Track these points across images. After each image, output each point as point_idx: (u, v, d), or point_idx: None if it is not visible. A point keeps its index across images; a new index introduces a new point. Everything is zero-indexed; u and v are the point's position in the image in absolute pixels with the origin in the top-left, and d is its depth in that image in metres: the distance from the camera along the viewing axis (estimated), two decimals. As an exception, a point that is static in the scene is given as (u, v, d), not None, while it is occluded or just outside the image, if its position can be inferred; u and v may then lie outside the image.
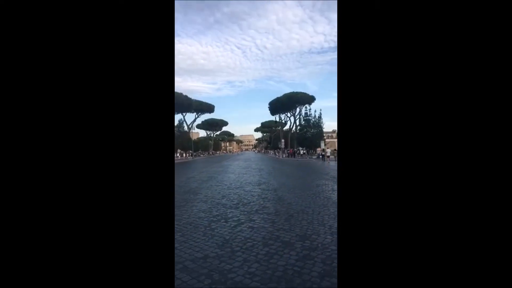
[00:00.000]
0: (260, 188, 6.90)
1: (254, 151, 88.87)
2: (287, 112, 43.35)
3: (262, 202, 5.08)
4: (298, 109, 41.83)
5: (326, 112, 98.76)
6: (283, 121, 45.98)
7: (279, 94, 42.39)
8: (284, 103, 40.61)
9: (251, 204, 4.98)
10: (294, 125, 42.57)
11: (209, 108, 44.53)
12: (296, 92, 41.39)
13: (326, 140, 42.47)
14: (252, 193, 6.23)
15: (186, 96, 37.87)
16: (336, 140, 43.27)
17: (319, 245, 2.83)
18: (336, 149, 25.99)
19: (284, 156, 32.34)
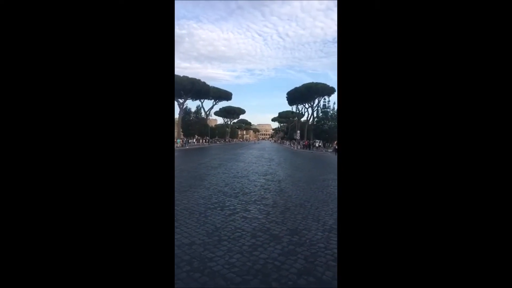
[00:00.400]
0: (265, 179, 6.91)
1: (270, 140, 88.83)
2: (305, 103, 42.47)
3: (262, 193, 5.09)
4: (316, 101, 40.83)
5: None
6: (301, 112, 45.18)
7: (299, 84, 41.38)
8: (303, 94, 39.73)
9: (252, 194, 5.00)
10: (312, 116, 41.72)
11: (227, 96, 44.71)
12: (316, 82, 40.23)
13: None
14: (256, 183, 6.25)
15: (204, 83, 38.20)
16: None
17: (307, 241, 2.80)
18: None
19: (298, 147, 31.99)
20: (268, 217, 3.60)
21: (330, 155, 19.82)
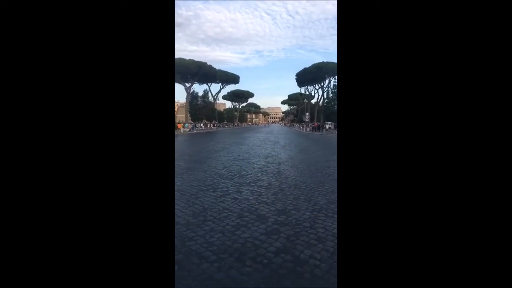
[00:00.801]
0: (265, 161, 6.86)
1: (280, 124, 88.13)
2: (316, 84, 41.24)
3: (259, 175, 5.06)
4: (327, 81, 39.54)
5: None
6: (311, 94, 44.05)
7: (310, 64, 39.83)
8: (313, 74, 38.49)
9: (248, 176, 4.99)
10: (322, 98, 40.61)
11: (234, 79, 44.09)
12: (326, 62, 38.74)
13: None
14: (255, 165, 6.22)
15: (210, 66, 37.70)
16: None
17: (293, 220, 2.76)
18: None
19: (308, 130, 31.54)
20: (259, 198, 3.57)
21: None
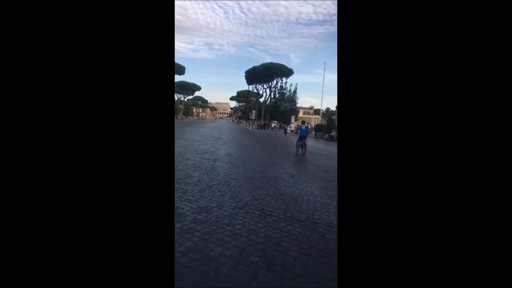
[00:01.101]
0: (201, 157, 6.69)
1: (228, 120, 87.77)
2: (264, 83, 42.42)
3: (190, 172, 4.89)
4: (275, 81, 41.08)
5: (307, 87, 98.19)
6: (260, 93, 45.11)
7: (261, 63, 40.67)
8: (262, 73, 39.47)
9: (177, 172, 4.76)
10: (269, 97, 42.03)
11: (179, 70, 41.84)
12: (275, 63, 40.22)
13: (302, 115, 42.90)
14: (188, 161, 5.99)
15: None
16: (313, 116, 43.87)
17: (213, 218, 2.73)
18: (311, 125, 26.26)
19: (254, 127, 32.26)
20: (183, 195, 3.43)
21: (282, 136, 20.47)
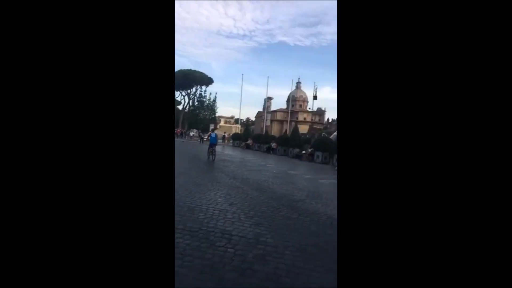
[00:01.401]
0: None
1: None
2: (182, 90, 40.79)
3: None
4: (194, 89, 40.17)
5: (229, 97, 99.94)
6: (178, 100, 43.02)
7: (182, 69, 38.77)
8: (180, 80, 37.86)
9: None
10: (188, 105, 40.67)
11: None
12: (194, 70, 39.50)
13: (224, 124, 43.25)
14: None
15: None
16: (233, 125, 44.76)
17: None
18: (229, 134, 26.67)
19: (170, 135, 30.18)
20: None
21: (198, 145, 19.97)
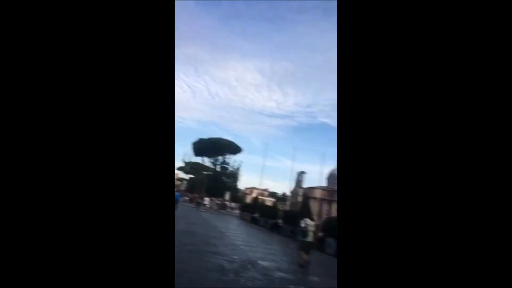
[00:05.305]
0: None
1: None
2: (211, 157, 40.97)
3: None
4: (220, 157, 39.96)
5: (268, 170, 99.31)
6: (206, 165, 43.05)
7: (211, 137, 40.18)
8: (207, 146, 38.47)
9: None
10: (213, 171, 39.83)
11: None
12: (223, 138, 40.24)
13: (256, 196, 40.48)
14: None
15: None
16: (266, 198, 41.57)
17: None
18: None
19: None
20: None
21: (194, 211, 16.90)
